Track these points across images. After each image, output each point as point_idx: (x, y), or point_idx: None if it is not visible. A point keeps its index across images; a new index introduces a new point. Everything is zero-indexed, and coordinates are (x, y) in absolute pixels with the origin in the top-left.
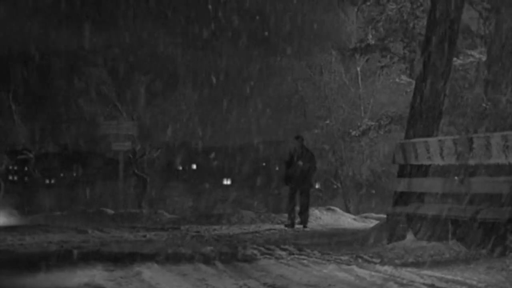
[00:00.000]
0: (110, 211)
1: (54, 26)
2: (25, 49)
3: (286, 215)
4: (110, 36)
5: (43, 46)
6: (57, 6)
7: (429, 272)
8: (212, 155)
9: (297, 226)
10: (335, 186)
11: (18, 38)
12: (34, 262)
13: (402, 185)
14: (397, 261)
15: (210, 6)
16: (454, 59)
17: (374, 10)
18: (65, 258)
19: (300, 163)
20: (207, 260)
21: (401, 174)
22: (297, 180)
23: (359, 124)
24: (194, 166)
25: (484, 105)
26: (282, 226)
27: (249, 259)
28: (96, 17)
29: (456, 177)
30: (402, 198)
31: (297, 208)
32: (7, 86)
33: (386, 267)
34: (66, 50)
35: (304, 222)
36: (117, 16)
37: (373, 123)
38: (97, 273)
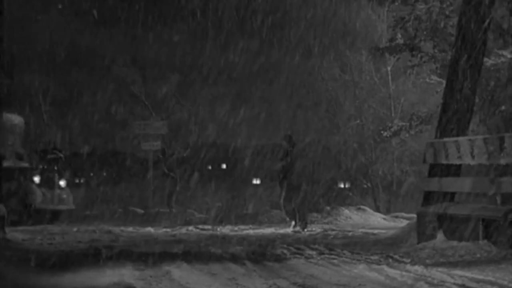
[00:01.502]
0: (140, 211)
1: (84, 25)
2: (55, 48)
3: (315, 214)
4: (139, 35)
5: (73, 45)
6: (87, 6)
7: (459, 272)
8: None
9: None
10: (365, 186)
11: (48, 37)
12: (63, 262)
13: (432, 185)
14: (427, 261)
15: (239, 6)
16: (486, 59)
17: (403, 10)
18: (94, 258)
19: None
20: (236, 259)
21: (432, 173)
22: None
23: (390, 124)
24: (224, 166)
25: None
26: (312, 226)
27: (279, 259)
28: (125, 17)
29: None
30: (432, 197)
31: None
32: (37, 85)
33: (416, 267)
34: (95, 49)
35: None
36: (147, 15)
37: (404, 124)
38: (126, 272)
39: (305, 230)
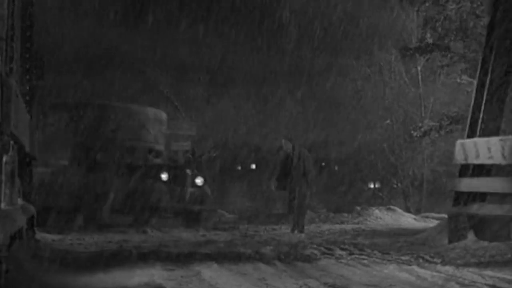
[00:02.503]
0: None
1: (114, 27)
2: (83, 48)
3: (345, 214)
4: (168, 35)
5: (103, 47)
6: (115, 5)
7: (490, 273)
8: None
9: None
10: (395, 186)
11: (77, 37)
12: (93, 262)
13: (463, 185)
14: (458, 261)
15: (267, 6)
16: None
17: (433, 9)
18: (124, 258)
19: (273, 185)
20: (266, 259)
21: (462, 173)
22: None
23: (420, 124)
24: (254, 166)
25: None
26: (342, 226)
27: (309, 259)
28: (154, 17)
29: None
30: (463, 198)
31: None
32: (67, 86)
33: (447, 267)
34: (126, 51)
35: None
36: (175, 15)
37: (434, 124)
38: (156, 273)
39: (303, 233)
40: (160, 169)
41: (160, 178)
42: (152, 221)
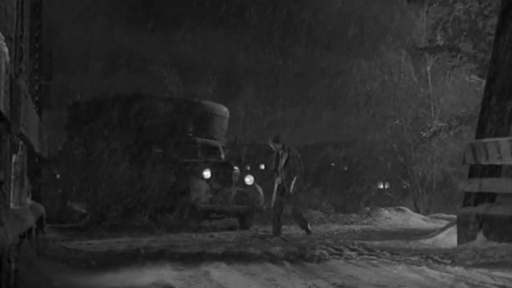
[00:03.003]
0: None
1: (123, 27)
2: (94, 49)
3: (354, 215)
4: (179, 36)
5: (112, 47)
6: (125, 5)
7: (500, 273)
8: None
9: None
10: (404, 186)
11: (86, 38)
12: (102, 261)
13: (472, 186)
14: (468, 262)
15: (277, 6)
16: None
17: (441, 11)
18: (133, 258)
19: (279, 180)
20: (275, 260)
21: (472, 174)
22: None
23: (429, 125)
24: (263, 166)
25: None
26: (351, 227)
27: (318, 259)
28: (164, 17)
29: None
30: (472, 198)
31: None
32: (76, 86)
33: (456, 268)
34: (134, 51)
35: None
36: (186, 16)
37: (443, 124)
38: (165, 273)
39: (309, 229)
40: (202, 166)
41: (201, 176)
42: (192, 222)
